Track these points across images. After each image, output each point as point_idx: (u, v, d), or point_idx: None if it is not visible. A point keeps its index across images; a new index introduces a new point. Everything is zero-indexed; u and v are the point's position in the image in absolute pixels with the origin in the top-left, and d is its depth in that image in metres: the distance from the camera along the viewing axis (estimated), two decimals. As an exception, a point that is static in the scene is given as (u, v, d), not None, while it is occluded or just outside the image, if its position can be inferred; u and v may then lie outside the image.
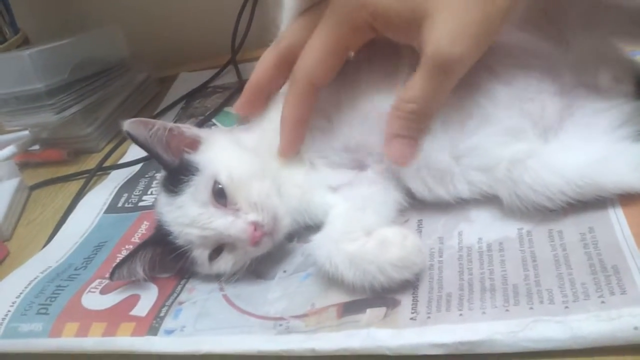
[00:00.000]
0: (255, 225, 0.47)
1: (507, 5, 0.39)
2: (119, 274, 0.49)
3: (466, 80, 0.43)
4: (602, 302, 0.36)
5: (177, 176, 0.49)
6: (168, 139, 0.51)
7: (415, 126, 0.44)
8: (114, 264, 0.50)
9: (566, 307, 0.37)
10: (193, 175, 0.48)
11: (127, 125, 0.49)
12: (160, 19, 1.00)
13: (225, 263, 0.49)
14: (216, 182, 0.48)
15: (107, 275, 0.50)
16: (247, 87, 0.53)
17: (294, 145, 0.51)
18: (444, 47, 0.39)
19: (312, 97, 0.48)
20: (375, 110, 0.48)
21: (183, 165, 0.50)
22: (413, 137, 0.44)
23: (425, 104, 0.42)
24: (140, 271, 0.50)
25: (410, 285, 0.43)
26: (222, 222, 0.47)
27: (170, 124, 0.51)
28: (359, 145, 0.50)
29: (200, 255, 0.48)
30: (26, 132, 0.86)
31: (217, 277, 0.50)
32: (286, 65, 0.49)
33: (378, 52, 0.49)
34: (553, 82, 0.47)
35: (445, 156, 0.47)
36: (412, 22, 0.41)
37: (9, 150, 0.82)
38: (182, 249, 0.48)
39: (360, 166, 0.51)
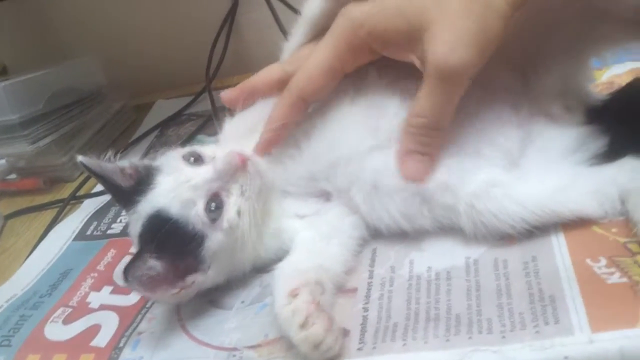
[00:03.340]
0: (236, 151, 0.48)
1: (504, 12, 0.41)
2: (134, 272, 0.44)
3: None
4: (537, 332, 0.38)
5: (140, 188, 0.49)
6: (122, 174, 0.51)
7: (427, 141, 0.45)
8: (122, 268, 0.45)
9: (503, 336, 0.38)
10: (158, 171, 0.49)
11: (81, 157, 0.50)
12: (136, 48, 1.02)
13: (232, 209, 0.48)
14: (185, 155, 0.50)
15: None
16: (243, 84, 0.55)
17: (271, 144, 0.52)
18: (444, 57, 0.41)
19: (300, 110, 0.50)
20: (346, 150, 0.50)
21: (143, 172, 0.51)
22: (427, 152, 0.46)
23: (434, 117, 0.44)
24: (153, 262, 0.45)
25: (359, 315, 0.44)
26: (206, 169, 0.48)
27: (122, 165, 0.52)
28: (325, 177, 0.51)
29: (197, 212, 0.47)
30: (3, 162, 0.87)
31: (176, 308, 0.50)
32: (285, 85, 0.50)
33: (352, 84, 0.51)
34: (514, 114, 0.49)
35: (417, 199, 0.48)
36: (411, 37, 0.43)
37: (-14, 179, 0.84)
38: (180, 219, 0.46)
39: (327, 195, 0.52)
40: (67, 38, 1.04)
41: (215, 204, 0.48)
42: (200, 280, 0.48)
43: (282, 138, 0.51)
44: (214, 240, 0.47)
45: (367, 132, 0.49)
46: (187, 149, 0.51)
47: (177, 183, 0.47)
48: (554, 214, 0.44)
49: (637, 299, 0.37)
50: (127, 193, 0.50)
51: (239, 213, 0.48)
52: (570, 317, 0.38)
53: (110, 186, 0.52)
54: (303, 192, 0.53)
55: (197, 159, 0.50)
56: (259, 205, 0.49)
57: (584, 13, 0.48)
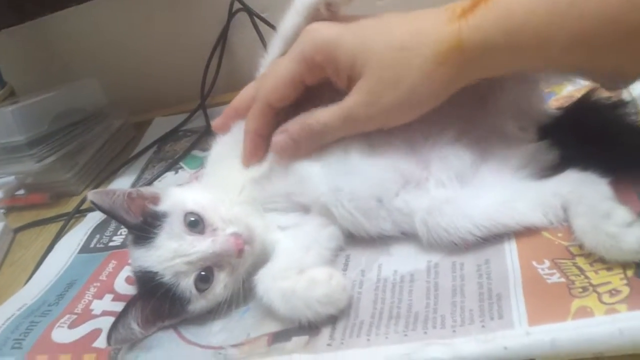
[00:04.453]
0: (235, 236, 0.51)
1: (421, 100, 0.48)
2: (116, 337, 0.50)
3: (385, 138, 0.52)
4: (483, 326, 0.42)
5: (148, 226, 0.52)
6: (128, 203, 0.54)
7: (304, 138, 0.53)
8: (103, 331, 0.53)
9: (454, 331, 0.43)
10: (163, 219, 0.52)
11: (91, 195, 0.54)
12: (135, 70, 1.08)
13: (218, 285, 0.51)
14: (187, 214, 0.52)
15: (106, 343, 0.51)
16: (227, 110, 0.60)
17: (254, 155, 0.57)
18: (356, 108, 0.49)
19: (269, 115, 0.55)
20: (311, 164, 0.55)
21: (149, 217, 0.53)
22: (298, 143, 0.53)
23: (322, 131, 0.52)
24: (135, 327, 0.51)
25: (332, 316, 0.48)
26: (204, 244, 0.51)
27: (129, 189, 0.56)
28: (298, 192, 0.56)
29: (187, 284, 0.51)
30: (12, 178, 0.93)
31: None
32: None
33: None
34: (469, 135, 0.54)
35: (373, 201, 0.53)
36: (349, 74, 0.49)
37: (-4, 195, 0.90)
38: (170, 285, 0.50)
39: (304, 209, 0.57)
40: (70, 62, 1.10)
41: (204, 275, 0.51)
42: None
43: (262, 147, 0.56)
44: (198, 305, 0.52)
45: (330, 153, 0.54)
46: (191, 208, 0.53)
47: (174, 254, 0.50)
48: (501, 226, 0.49)
49: (570, 296, 0.42)
50: (134, 229, 0.54)
51: (225, 288, 0.52)
52: (512, 313, 0.42)
53: (121, 220, 0.55)
54: (284, 207, 0.57)
55: (198, 222, 0.52)
56: (246, 275, 0.53)
57: None
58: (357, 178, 0.53)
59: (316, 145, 0.54)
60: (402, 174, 0.53)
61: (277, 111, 0.55)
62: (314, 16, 0.53)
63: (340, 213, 0.54)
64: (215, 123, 0.61)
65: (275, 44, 0.57)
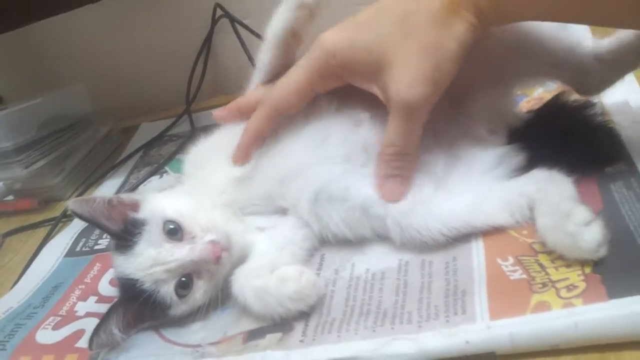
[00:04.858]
0: (213, 243, 0.52)
1: (455, 52, 0.47)
2: (97, 341, 0.51)
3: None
4: (447, 321, 0.44)
5: (128, 234, 0.53)
6: (109, 210, 0.55)
7: (400, 165, 0.52)
8: (83, 334, 0.54)
9: (420, 326, 0.45)
10: (142, 227, 0.53)
11: (72, 204, 0.55)
12: (122, 76, 1.09)
13: (198, 291, 0.52)
14: (166, 222, 0.53)
15: (76, 344, 0.53)
16: (231, 104, 0.60)
17: (247, 154, 0.57)
18: (404, 93, 0.48)
19: (274, 120, 0.56)
20: (294, 164, 0.56)
21: (130, 224, 0.54)
22: (401, 175, 0.52)
23: (403, 144, 0.51)
24: (117, 332, 0.52)
25: (304, 313, 0.50)
26: (183, 252, 0.52)
27: (109, 197, 0.57)
28: (279, 194, 0.57)
29: (167, 291, 0.52)
30: (0, 184, 0.94)
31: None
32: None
33: (303, 111, 0.57)
34: (442, 138, 0.56)
35: (357, 211, 0.54)
36: (374, 72, 0.49)
37: (-15, 202, 0.91)
38: (151, 292, 0.51)
39: (282, 211, 0.58)
40: (57, 69, 1.11)
41: (184, 281, 0.52)
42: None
43: (256, 146, 0.57)
44: (178, 310, 0.53)
45: (312, 148, 0.56)
46: (169, 216, 0.54)
47: (153, 262, 0.51)
48: (470, 226, 0.51)
49: (530, 292, 0.44)
50: (116, 235, 0.55)
51: (205, 293, 0.53)
52: (475, 308, 0.44)
53: (102, 227, 0.57)
54: (263, 210, 0.59)
55: (177, 230, 0.53)
56: (224, 282, 0.54)
57: (510, 56, 0.54)
58: (330, 181, 0.55)
59: (414, 159, 0.53)
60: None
61: (283, 117, 0.56)
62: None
63: (318, 220, 0.56)
64: (217, 112, 0.61)
65: (256, 74, 0.59)
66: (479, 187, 0.53)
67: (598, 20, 0.47)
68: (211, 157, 0.61)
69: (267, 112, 0.56)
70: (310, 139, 0.57)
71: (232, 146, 0.58)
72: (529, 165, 0.53)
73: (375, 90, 0.51)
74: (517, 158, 0.54)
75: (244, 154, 0.58)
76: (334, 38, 0.51)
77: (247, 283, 0.52)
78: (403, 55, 0.47)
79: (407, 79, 0.47)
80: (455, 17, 0.46)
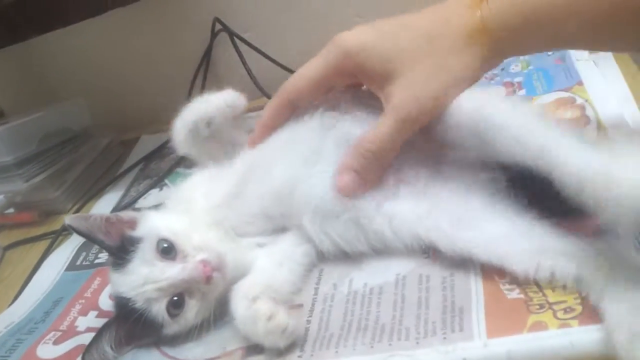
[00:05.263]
0: (204, 263, 0.52)
1: (464, 79, 0.49)
2: (90, 359, 0.52)
3: None
4: (444, 338, 0.44)
5: (123, 252, 0.54)
6: (107, 227, 0.56)
7: (368, 165, 0.52)
8: (81, 350, 0.52)
9: (417, 342, 0.45)
10: (137, 245, 0.54)
11: (69, 220, 0.56)
12: (122, 88, 1.10)
13: (190, 311, 0.53)
14: (160, 241, 0.53)
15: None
16: (259, 126, 0.60)
17: (260, 140, 0.59)
18: (407, 103, 0.49)
19: (287, 109, 0.58)
20: (287, 184, 0.56)
21: (126, 241, 0.55)
22: (363, 175, 0.53)
23: (382, 146, 0.52)
24: (109, 350, 0.52)
25: (302, 327, 0.50)
26: (174, 270, 0.52)
27: (107, 214, 0.58)
28: (278, 213, 0.58)
29: (159, 310, 0.52)
30: (1, 197, 0.94)
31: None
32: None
33: (302, 131, 0.58)
34: (428, 151, 0.56)
35: (352, 225, 0.55)
36: (385, 80, 0.51)
37: (-15, 214, 0.91)
38: (143, 311, 0.52)
39: (282, 229, 0.59)
40: (57, 83, 1.12)
41: (177, 300, 0.52)
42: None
43: (268, 133, 0.59)
44: (170, 329, 0.53)
45: (299, 161, 0.56)
46: (163, 235, 0.54)
47: (145, 280, 0.52)
48: (490, 257, 0.48)
49: (528, 311, 0.44)
50: (112, 252, 0.56)
51: (197, 314, 0.53)
52: (472, 326, 0.44)
53: (99, 243, 0.57)
54: (262, 229, 0.59)
55: (171, 249, 0.53)
56: (217, 302, 0.53)
57: None
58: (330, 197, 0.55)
59: (381, 168, 0.53)
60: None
61: (295, 107, 0.58)
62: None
63: (319, 235, 0.56)
64: (251, 139, 0.61)
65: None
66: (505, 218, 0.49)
67: (602, 47, 0.52)
68: (202, 183, 0.62)
69: (279, 101, 0.58)
70: (299, 153, 0.57)
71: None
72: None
73: (380, 95, 0.52)
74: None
75: (258, 139, 0.59)
76: (353, 40, 0.52)
77: (239, 304, 0.51)
78: (416, 71, 0.49)
79: (415, 91, 0.49)
80: (472, 46, 0.49)
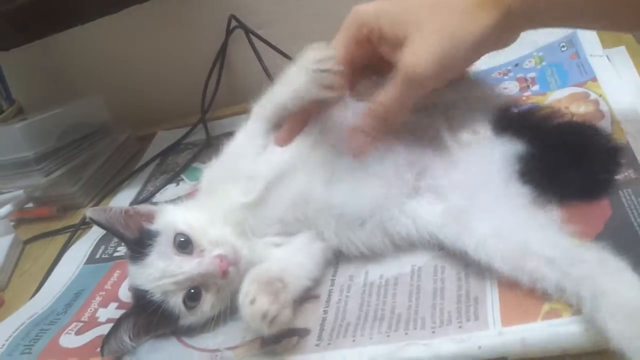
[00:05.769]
0: (221, 257, 0.53)
1: (473, 43, 0.49)
2: (108, 348, 0.53)
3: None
4: (460, 327, 0.45)
5: (141, 245, 0.55)
6: (125, 219, 0.57)
7: (376, 126, 0.53)
8: (101, 340, 0.53)
9: (433, 331, 0.46)
10: (155, 238, 0.55)
11: (90, 212, 0.57)
12: (139, 85, 1.12)
13: (206, 304, 0.54)
14: (177, 235, 0.54)
15: (98, 349, 0.54)
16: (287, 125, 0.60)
17: (290, 136, 0.59)
18: (414, 67, 0.49)
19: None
20: (305, 195, 0.56)
21: (144, 234, 0.56)
22: (372, 135, 0.54)
23: (389, 108, 0.52)
24: (127, 340, 0.54)
25: (320, 317, 0.52)
26: (191, 265, 0.53)
27: (126, 207, 0.59)
28: (293, 217, 0.58)
29: (176, 302, 0.53)
30: (21, 192, 0.96)
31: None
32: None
33: (319, 144, 0.58)
34: (436, 145, 0.57)
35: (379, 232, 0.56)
36: (397, 42, 0.51)
37: (6, 209, 0.92)
38: (160, 303, 0.53)
39: (297, 232, 0.59)
40: (75, 80, 1.14)
41: (193, 292, 0.53)
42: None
43: (297, 132, 0.58)
44: (186, 321, 0.54)
45: (317, 170, 0.56)
46: (180, 229, 0.55)
47: (162, 274, 0.53)
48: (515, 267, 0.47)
49: (542, 300, 0.44)
50: (131, 244, 0.57)
51: (212, 307, 0.54)
52: (487, 314, 0.45)
53: (118, 235, 0.59)
54: (281, 231, 0.59)
55: (187, 243, 0.54)
56: (233, 294, 0.53)
57: None
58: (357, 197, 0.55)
59: (389, 129, 0.54)
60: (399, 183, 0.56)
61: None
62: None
63: (339, 241, 0.57)
64: (279, 137, 0.60)
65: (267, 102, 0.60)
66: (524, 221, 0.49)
67: (614, 26, 0.51)
68: (225, 181, 0.60)
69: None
70: (319, 161, 0.57)
71: (245, 170, 0.59)
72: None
73: (395, 60, 0.52)
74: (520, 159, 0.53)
75: (288, 137, 0.59)
76: (367, 8, 0.53)
77: (242, 287, 0.50)
78: (424, 32, 0.49)
79: (422, 53, 0.49)
80: (482, 11, 0.48)
